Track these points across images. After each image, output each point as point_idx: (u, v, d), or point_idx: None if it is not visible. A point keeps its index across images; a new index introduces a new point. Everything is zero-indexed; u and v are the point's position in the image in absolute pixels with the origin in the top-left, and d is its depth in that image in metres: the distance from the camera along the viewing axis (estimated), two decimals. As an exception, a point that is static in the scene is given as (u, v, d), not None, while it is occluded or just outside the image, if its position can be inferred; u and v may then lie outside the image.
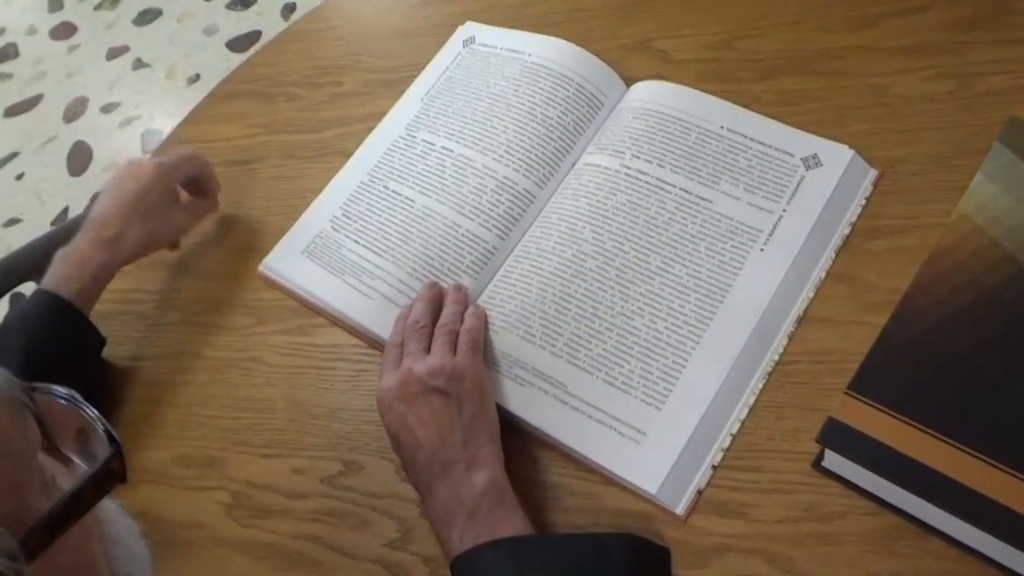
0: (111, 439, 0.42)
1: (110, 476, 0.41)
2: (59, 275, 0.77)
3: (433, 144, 0.84)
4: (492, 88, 0.85)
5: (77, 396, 0.44)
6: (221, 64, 2.32)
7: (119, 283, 0.89)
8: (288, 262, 0.83)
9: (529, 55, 0.86)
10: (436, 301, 0.73)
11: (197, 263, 0.89)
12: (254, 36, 2.36)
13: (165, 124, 2.26)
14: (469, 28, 0.93)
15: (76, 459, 0.44)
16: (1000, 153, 0.67)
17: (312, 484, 0.72)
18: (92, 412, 0.43)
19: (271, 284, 0.83)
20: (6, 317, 0.77)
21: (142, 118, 2.31)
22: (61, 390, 0.43)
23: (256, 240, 0.87)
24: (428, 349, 0.69)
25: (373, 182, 0.84)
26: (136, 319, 0.86)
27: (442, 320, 0.71)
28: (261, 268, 0.84)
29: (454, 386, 0.65)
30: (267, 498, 0.72)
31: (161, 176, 0.82)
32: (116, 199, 0.80)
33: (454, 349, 0.68)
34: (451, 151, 0.82)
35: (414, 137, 0.85)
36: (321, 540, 0.69)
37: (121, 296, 0.87)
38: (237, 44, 2.36)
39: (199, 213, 0.87)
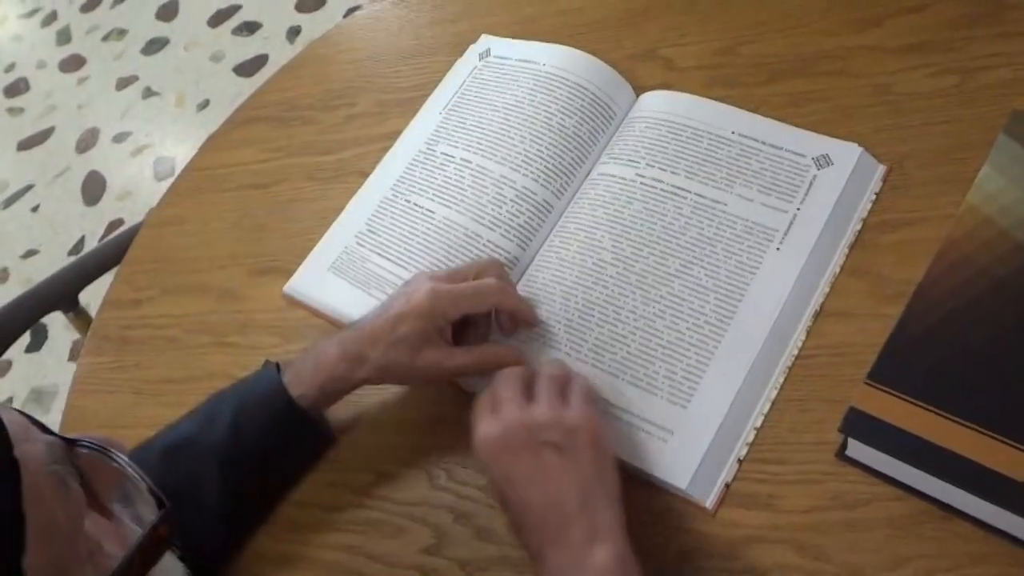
0: (159, 502, 0.39)
1: (159, 543, 0.38)
2: (298, 368, 0.70)
3: (452, 156, 0.85)
4: (508, 99, 0.87)
5: (116, 453, 0.41)
6: (230, 89, 2.34)
7: (147, 310, 0.91)
8: (314, 281, 0.84)
9: (543, 65, 0.87)
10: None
11: (222, 287, 0.90)
12: (261, 60, 2.38)
13: (176, 151, 2.29)
14: (484, 41, 0.95)
15: (123, 516, 0.42)
16: (1005, 145, 0.68)
17: (346, 495, 0.73)
18: (137, 472, 0.41)
19: (296, 304, 0.85)
20: (237, 381, 0.73)
21: (153, 146, 2.34)
22: (101, 444, 0.41)
23: (278, 261, 0.89)
24: (527, 395, 0.63)
25: (396, 196, 0.85)
26: (166, 343, 0.88)
27: (546, 368, 0.66)
28: (286, 289, 0.85)
29: (569, 440, 0.59)
30: (303, 512, 0.73)
31: (431, 308, 0.68)
32: (379, 314, 0.70)
33: (562, 397, 0.63)
34: (470, 163, 0.84)
35: (434, 150, 0.87)
36: (358, 549, 0.70)
37: (150, 321, 0.89)
38: (244, 69, 2.39)
39: (465, 365, 0.70)
